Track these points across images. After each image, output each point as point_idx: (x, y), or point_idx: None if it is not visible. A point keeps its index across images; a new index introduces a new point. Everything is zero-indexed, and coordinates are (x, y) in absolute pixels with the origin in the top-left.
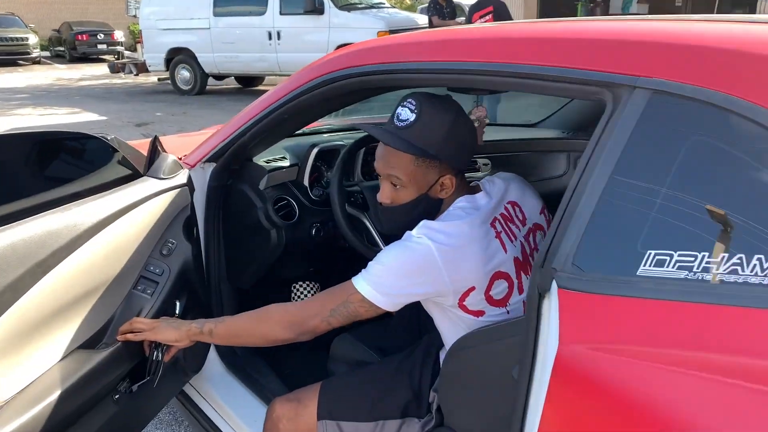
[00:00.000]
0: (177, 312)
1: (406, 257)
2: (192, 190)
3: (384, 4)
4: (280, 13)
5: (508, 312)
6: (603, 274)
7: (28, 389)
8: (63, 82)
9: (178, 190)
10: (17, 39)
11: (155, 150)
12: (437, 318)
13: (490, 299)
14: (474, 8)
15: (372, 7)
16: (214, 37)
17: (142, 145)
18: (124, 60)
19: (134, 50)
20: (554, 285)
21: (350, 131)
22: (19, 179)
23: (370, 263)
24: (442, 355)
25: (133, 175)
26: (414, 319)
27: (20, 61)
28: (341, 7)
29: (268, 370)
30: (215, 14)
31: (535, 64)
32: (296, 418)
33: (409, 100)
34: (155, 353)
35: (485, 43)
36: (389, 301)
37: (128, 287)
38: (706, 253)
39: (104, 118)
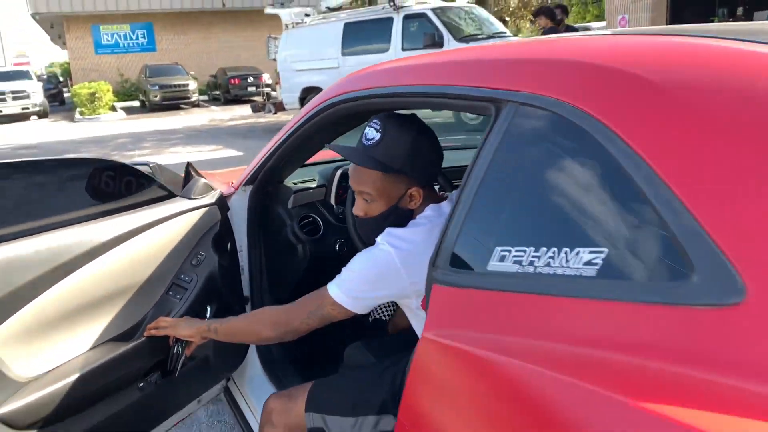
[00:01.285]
0: (207, 316)
1: (370, 263)
2: (224, 209)
3: (506, 33)
4: (402, 49)
5: None
6: (466, 270)
7: (55, 370)
8: (215, 123)
9: (207, 208)
10: (179, 85)
11: (189, 174)
12: (410, 320)
13: None
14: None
15: (492, 36)
16: (343, 76)
17: None
18: (271, 100)
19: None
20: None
21: None
22: (73, 196)
23: (343, 269)
24: None
25: (167, 196)
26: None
27: (182, 105)
28: (460, 39)
29: (299, 380)
30: (343, 54)
31: (447, 84)
32: (287, 410)
33: (375, 120)
34: (176, 347)
35: (419, 69)
36: (357, 304)
37: (160, 292)
38: (532, 248)
39: (241, 153)
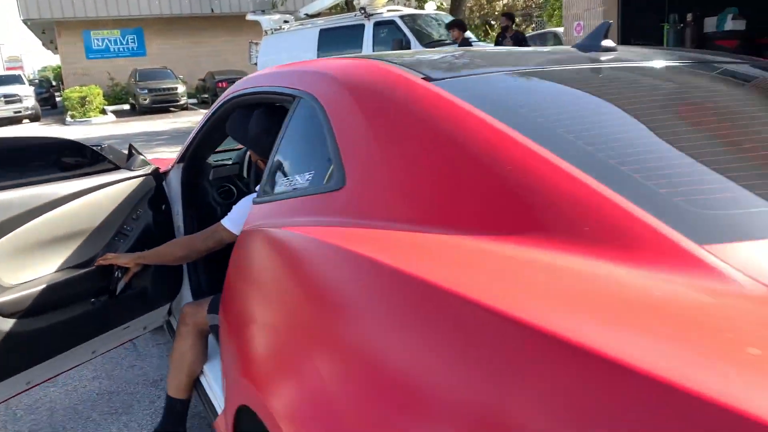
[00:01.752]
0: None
1: (247, 201)
2: (158, 178)
3: (471, 38)
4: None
5: None
6: (271, 193)
7: (32, 281)
8: None
9: (144, 177)
10: (168, 89)
11: (131, 153)
12: None
13: None
14: None
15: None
16: None
17: None
18: None
19: None
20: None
21: None
22: (46, 164)
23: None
24: None
25: (114, 168)
26: None
27: (171, 108)
28: (426, 45)
29: None
30: (318, 57)
31: (275, 86)
32: (195, 313)
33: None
34: (117, 273)
35: (265, 76)
36: (237, 228)
37: (109, 237)
38: (290, 177)
39: None
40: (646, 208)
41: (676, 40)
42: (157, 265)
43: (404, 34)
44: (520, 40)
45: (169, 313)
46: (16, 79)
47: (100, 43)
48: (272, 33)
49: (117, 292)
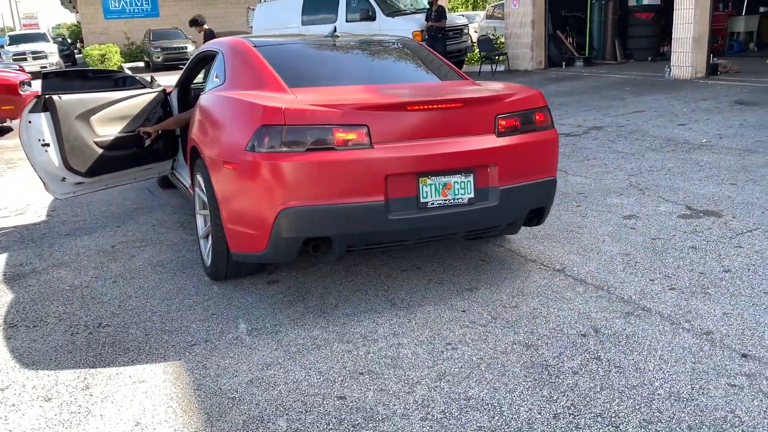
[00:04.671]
0: (159, 132)
1: None
2: (165, 93)
3: (428, 7)
4: (346, 21)
5: None
6: (206, 91)
7: (108, 135)
8: None
9: (158, 92)
10: (178, 48)
11: (152, 80)
12: None
13: None
14: None
15: (417, 12)
16: None
17: None
18: None
19: None
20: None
21: None
22: (111, 83)
23: None
24: None
25: (143, 86)
26: None
27: (181, 66)
28: (387, 15)
29: None
30: (303, 23)
31: (209, 48)
32: None
33: None
34: (144, 136)
35: (207, 45)
36: None
37: (142, 119)
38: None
39: None
40: (285, 81)
41: (600, 11)
42: (165, 136)
43: (370, 5)
44: (441, 12)
45: (173, 168)
46: (41, 37)
47: (117, 4)
48: (265, 1)
49: (145, 146)
